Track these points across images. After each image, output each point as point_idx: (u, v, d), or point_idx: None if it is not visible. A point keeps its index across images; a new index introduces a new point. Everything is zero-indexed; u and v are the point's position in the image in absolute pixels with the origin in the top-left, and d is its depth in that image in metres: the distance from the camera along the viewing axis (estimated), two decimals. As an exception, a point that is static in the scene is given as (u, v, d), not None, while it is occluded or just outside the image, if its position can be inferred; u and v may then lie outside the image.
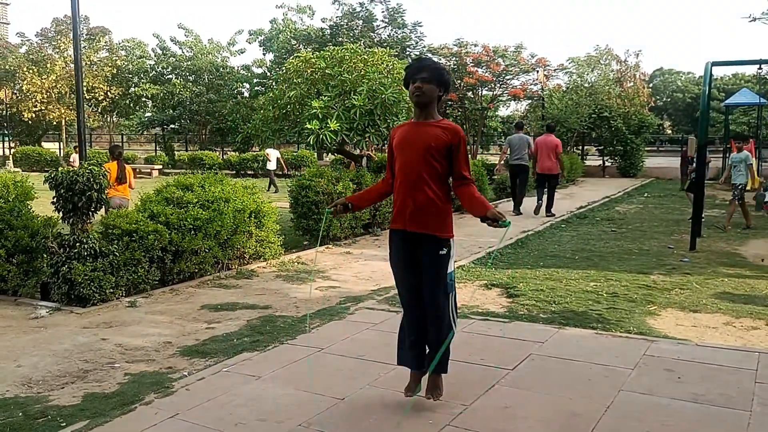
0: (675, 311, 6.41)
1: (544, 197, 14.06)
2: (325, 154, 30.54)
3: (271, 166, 21.72)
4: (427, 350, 4.07)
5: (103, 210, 7.28)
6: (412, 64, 4.06)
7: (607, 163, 27.16)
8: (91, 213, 6.94)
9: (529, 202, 14.58)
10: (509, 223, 3.62)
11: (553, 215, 13.81)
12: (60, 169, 6.92)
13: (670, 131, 62.29)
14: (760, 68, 10.79)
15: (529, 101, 30.21)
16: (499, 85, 28.87)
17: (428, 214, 3.86)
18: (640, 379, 4.47)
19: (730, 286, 7.45)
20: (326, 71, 11.23)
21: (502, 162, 16.10)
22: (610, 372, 4.61)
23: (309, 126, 10.31)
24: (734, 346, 5.26)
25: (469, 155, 21.57)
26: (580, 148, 28.19)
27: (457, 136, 3.87)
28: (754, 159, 20.09)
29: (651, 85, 50.84)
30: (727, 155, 22.45)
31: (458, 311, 4.15)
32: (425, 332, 4.02)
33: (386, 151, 4.21)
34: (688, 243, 10.03)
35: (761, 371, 4.61)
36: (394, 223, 4.01)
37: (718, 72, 58.52)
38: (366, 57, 11.59)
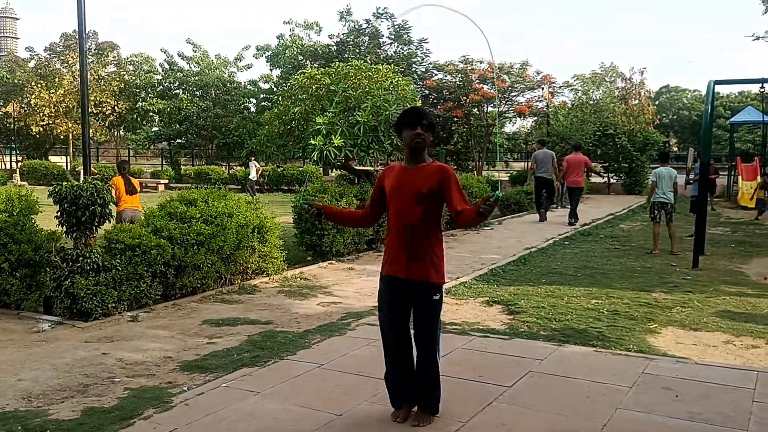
0: (675, 329, 6.40)
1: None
2: (330, 170, 30.67)
3: (252, 176, 23.87)
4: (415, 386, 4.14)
5: (107, 224, 7.31)
6: (410, 112, 4.12)
7: (612, 180, 27.15)
8: (94, 227, 7.00)
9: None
10: (500, 194, 3.68)
11: (573, 223, 15.21)
12: (64, 183, 6.99)
13: (676, 148, 62.26)
14: (762, 87, 10.81)
15: (535, 118, 30.31)
16: (504, 101, 28.98)
17: (423, 261, 3.96)
18: (637, 397, 4.47)
19: (732, 305, 7.44)
20: (331, 87, 11.32)
21: (531, 175, 17.24)
22: (608, 390, 4.62)
23: (313, 142, 10.38)
24: (733, 365, 5.26)
25: (474, 171, 21.94)
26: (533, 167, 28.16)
27: (446, 174, 3.99)
28: (758, 177, 20.14)
29: (657, 102, 50.94)
30: (733, 173, 22.47)
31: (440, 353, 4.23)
32: (411, 370, 4.10)
33: (374, 187, 4.29)
34: (691, 260, 10.01)
35: (759, 390, 4.61)
36: (388, 269, 4.07)
37: (724, 90, 58.56)
38: (370, 74, 11.69)
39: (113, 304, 6.79)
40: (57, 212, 6.92)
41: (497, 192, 3.65)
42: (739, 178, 21.16)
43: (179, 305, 7.40)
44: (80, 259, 6.71)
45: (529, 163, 17.76)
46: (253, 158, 22.90)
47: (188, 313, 7.13)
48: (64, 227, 6.97)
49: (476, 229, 14.09)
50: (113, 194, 9.74)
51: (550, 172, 15.81)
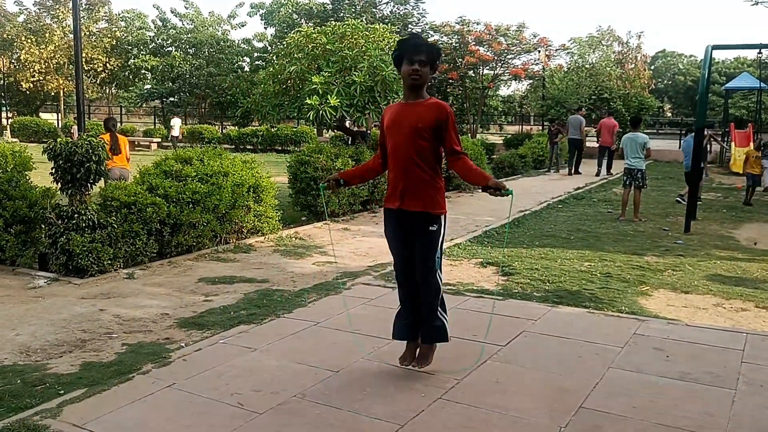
0: (667, 292, 6.48)
1: (604, 163, 18.81)
2: (324, 131, 30.47)
3: (175, 133, 27.05)
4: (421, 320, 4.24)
5: (102, 182, 7.29)
6: (406, 42, 4.08)
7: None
8: (89, 184, 6.98)
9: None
10: (512, 191, 3.75)
11: (612, 174, 18.39)
12: (59, 139, 6.93)
13: (670, 114, 62.10)
14: (760, 53, 10.77)
15: (530, 81, 30.11)
16: (500, 64, 28.74)
17: (420, 193, 4.00)
18: (629, 357, 4.55)
19: (722, 269, 7.53)
20: (327, 47, 11.19)
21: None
22: (601, 350, 4.69)
23: (309, 101, 10.30)
24: (723, 327, 5.35)
25: (469, 134, 22.07)
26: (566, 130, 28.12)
27: (444, 112, 3.97)
28: (751, 143, 20.15)
29: (653, 67, 50.64)
30: (727, 139, 22.47)
31: (442, 286, 4.27)
32: (417, 304, 4.20)
33: (379, 132, 4.31)
34: (683, 225, 10.09)
35: (748, 351, 4.69)
36: (388, 202, 4.16)
37: (719, 55, 58.08)
38: (367, 33, 11.54)
39: (109, 262, 6.81)
40: (52, 169, 6.88)
41: (511, 192, 3.75)
42: (732, 144, 21.16)
43: (175, 263, 7.42)
44: (76, 216, 6.70)
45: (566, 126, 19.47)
46: (174, 116, 26.34)
47: (184, 270, 7.16)
48: (59, 184, 6.94)
49: (470, 191, 14.12)
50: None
51: (579, 135, 18.53)
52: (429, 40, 29.76)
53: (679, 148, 13.19)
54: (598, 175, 18.47)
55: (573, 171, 18.89)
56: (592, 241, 9.07)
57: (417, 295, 4.19)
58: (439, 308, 4.18)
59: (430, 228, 4.02)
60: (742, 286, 6.74)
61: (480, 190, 3.99)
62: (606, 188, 15.88)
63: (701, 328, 5.26)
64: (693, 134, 12.50)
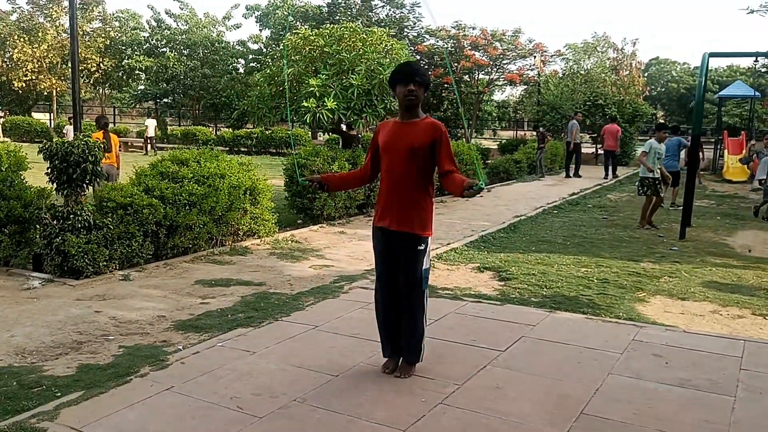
0: (664, 298, 6.50)
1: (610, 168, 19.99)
2: (319, 134, 30.45)
3: (150, 133, 27.54)
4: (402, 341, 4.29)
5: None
6: (402, 67, 4.18)
7: (600, 151, 27.20)
8: (85, 185, 6.93)
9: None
10: (482, 183, 3.74)
11: (618, 176, 19.83)
12: (55, 140, 6.88)
13: (662, 121, 62.39)
14: (756, 60, 10.83)
15: (525, 86, 30.19)
16: (495, 69, 28.80)
17: (411, 214, 4.08)
18: (628, 363, 4.55)
19: (718, 276, 7.55)
20: (325, 49, 11.17)
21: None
22: (600, 356, 4.69)
23: (306, 104, 10.27)
24: (721, 334, 5.35)
25: (464, 139, 22.07)
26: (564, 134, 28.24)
27: (439, 132, 4.07)
28: (744, 151, 20.29)
29: (646, 74, 50.90)
30: (720, 147, 22.61)
31: (428, 304, 4.33)
32: (398, 320, 4.24)
33: (371, 143, 4.35)
34: (678, 232, 10.12)
35: (746, 359, 4.70)
36: (379, 220, 4.20)
37: (713, 63, 58.43)
38: (365, 36, 11.54)
39: (104, 263, 6.76)
40: (47, 169, 6.83)
41: (480, 182, 3.71)
42: (725, 152, 21.29)
43: (171, 265, 7.38)
44: (71, 216, 6.65)
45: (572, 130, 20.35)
46: (149, 117, 28.29)
47: (180, 273, 7.11)
48: (55, 184, 6.89)
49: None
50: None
51: (578, 139, 20.00)
52: (424, 44, 29.95)
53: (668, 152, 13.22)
54: (606, 177, 19.61)
55: (573, 174, 19.92)
56: (588, 246, 9.08)
57: (397, 309, 4.23)
58: (422, 323, 4.22)
59: (418, 248, 4.10)
60: (738, 293, 6.76)
61: (462, 198, 4.09)
62: (600, 194, 15.92)
63: (699, 334, 5.27)
64: (675, 136, 12.80)
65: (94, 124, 11.17)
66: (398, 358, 4.33)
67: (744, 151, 19.84)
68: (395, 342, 4.30)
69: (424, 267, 4.14)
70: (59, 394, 3.95)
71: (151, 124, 28.59)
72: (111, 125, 34.48)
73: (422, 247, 4.10)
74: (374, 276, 6.91)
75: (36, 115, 37.29)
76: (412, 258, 4.10)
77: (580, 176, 19.82)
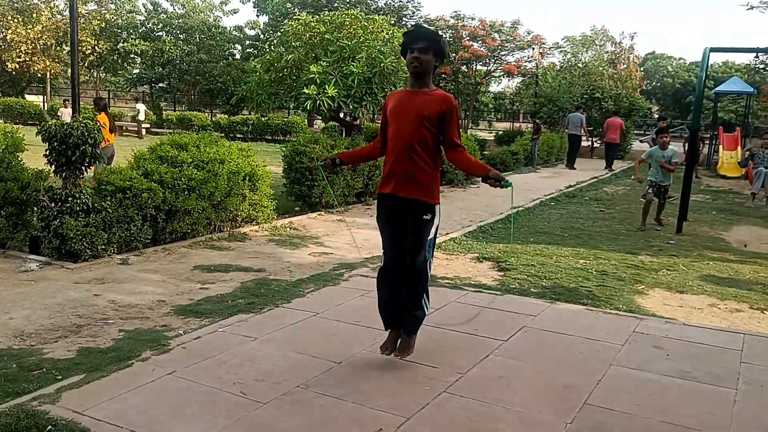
0: (662, 291, 6.51)
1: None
2: (316, 122, 30.34)
3: (141, 117, 27.94)
4: (403, 310, 4.23)
5: (93, 168, 7.16)
6: (410, 32, 4.13)
7: (595, 144, 27.25)
8: (84, 167, 6.87)
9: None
10: (511, 184, 3.80)
11: (613, 170, 19.98)
12: (53, 121, 6.81)
13: (657, 115, 62.53)
14: (756, 56, 10.86)
15: (523, 78, 30.15)
16: (493, 60, 28.74)
17: (416, 181, 3.99)
18: (629, 355, 4.56)
19: (715, 269, 7.57)
20: (325, 36, 11.10)
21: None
22: (601, 347, 4.70)
23: (306, 91, 10.21)
24: (720, 327, 5.37)
25: (461, 129, 21.99)
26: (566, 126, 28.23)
27: (449, 105, 3.98)
28: (739, 147, 20.34)
29: (643, 68, 50.92)
30: (715, 142, 22.65)
31: (431, 276, 4.31)
32: (399, 292, 4.17)
33: (380, 119, 4.28)
34: (675, 226, 10.14)
35: (746, 352, 4.72)
36: (383, 187, 4.12)
37: (710, 59, 58.64)
38: (366, 24, 11.46)
39: (103, 246, 6.72)
40: (45, 151, 6.77)
41: (510, 184, 3.83)
42: (720, 147, 21.33)
43: (169, 250, 7.34)
44: (69, 199, 6.60)
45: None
46: (139, 102, 29.29)
47: (179, 258, 7.08)
48: (53, 166, 6.83)
49: (463, 186, 14.14)
50: (104, 132, 9.63)
51: (579, 131, 20.21)
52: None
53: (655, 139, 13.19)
54: (606, 168, 19.96)
55: (570, 166, 20.26)
56: (586, 239, 9.09)
57: (401, 283, 4.16)
58: (424, 298, 4.18)
59: (424, 217, 4.01)
60: (736, 287, 6.78)
61: (481, 181, 4.05)
62: (597, 187, 15.94)
63: (699, 327, 5.29)
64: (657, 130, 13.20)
65: (93, 105, 11.10)
66: (396, 335, 4.25)
67: (738, 151, 19.88)
68: (395, 311, 4.24)
69: (429, 236, 4.06)
70: (60, 377, 3.93)
71: (141, 108, 28.71)
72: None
73: (428, 217, 4.01)
74: (373, 265, 6.95)
75: (29, 98, 37.00)
76: (418, 225, 4.01)
77: (575, 168, 20.11)
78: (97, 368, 4.08)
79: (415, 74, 4.00)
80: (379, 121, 4.41)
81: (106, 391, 3.73)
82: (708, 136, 23.34)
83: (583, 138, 21.13)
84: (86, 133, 6.70)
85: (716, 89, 26.70)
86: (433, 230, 4.07)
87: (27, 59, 32.02)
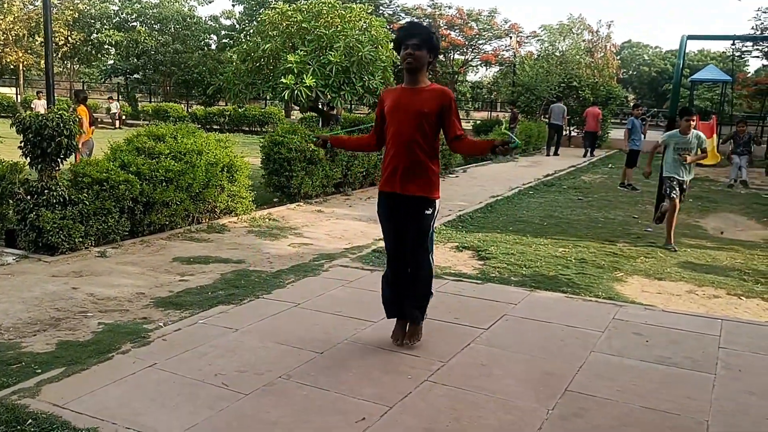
0: (641, 278, 6.58)
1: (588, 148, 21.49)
2: (293, 112, 30.15)
3: (115, 108, 28.60)
4: (408, 300, 4.36)
5: (72, 158, 7.05)
6: (403, 28, 4.18)
7: (573, 133, 27.43)
8: (60, 159, 6.76)
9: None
10: (517, 141, 3.86)
11: (593, 156, 21.14)
12: (28, 112, 6.69)
13: (632, 104, 63.15)
14: (733, 44, 10.98)
15: (500, 67, 30.22)
16: (471, 49, 28.75)
17: (418, 178, 4.06)
18: (610, 342, 4.61)
19: (693, 256, 7.68)
20: (303, 25, 11.02)
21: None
22: (582, 334, 4.74)
23: (284, 81, 10.14)
24: (698, 313, 5.45)
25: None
26: (548, 116, 28.35)
27: (447, 98, 4.04)
28: (714, 135, 20.59)
29: (619, 57, 51.31)
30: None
31: (433, 267, 4.42)
32: (406, 284, 4.29)
33: (376, 111, 4.36)
34: (652, 214, 10.25)
35: (724, 337, 4.79)
36: (385, 185, 4.19)
37: (687, 47, 59.26)
38: (343, 13, 11.39)
39: (80, 239, 6.63)
40: (20, 143, 6.65)
41: (516, 141, 3.82)
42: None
43: (147, 242, 7.27)
44: (46, 191, 6.49)
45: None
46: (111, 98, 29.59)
47: (157, 250, 7.01)
48: (28, 158, 6.71)
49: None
50: (85, 125, 9.52)
51: (561, 121, 21.18)
52: (400, 22, 29.76)
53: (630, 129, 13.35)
54: (585, 156, 20.90)
55: (552, 153, 21.01)
56: (565, 227, 9.16)
57: (405, 274, 4.28)
58: (428, 287, 4.31)
59: (426, 212, 4.10)
60: (713, 273, 6.88)
61: (489, 155, 4.17)
62: (575, 176, 16.06)
63: (677, 314, 5.36)
64: (634, 117, 13.39)
65: (73, 97, 10.94)
66: (404, 323, 4.37)
67: (714, 138, 20.07)
68: (399, 302, 4.35)
69: (431, 229, 4.18)
70: (39, 370, 3.87)
71: (115, 104, 29.34)
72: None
73: (430, 211, 4.10)
74: (353, 255, 6.95)
75: (1, 90, 36.31)
76: (420, 221, 4.10)
77: (558, 155, 20.98)
78: (77, 361, 4.03)
79: (409, 70, 4.03)
80: (364, 113, 4.44)
81: (87, 384, 3.69)
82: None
83: (558, 125, 21.67)
84: (62, 125, 6.58)
85: (692, 77, 26.99)
86: (433, 223, 4.17)
87: (-2, 50, 31.44)
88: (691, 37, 10.10)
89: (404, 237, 4.20)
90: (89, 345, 4.31)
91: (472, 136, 21.91)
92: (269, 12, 11.90)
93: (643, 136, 13.78)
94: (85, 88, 40.37)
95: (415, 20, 27.18)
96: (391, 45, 12.10)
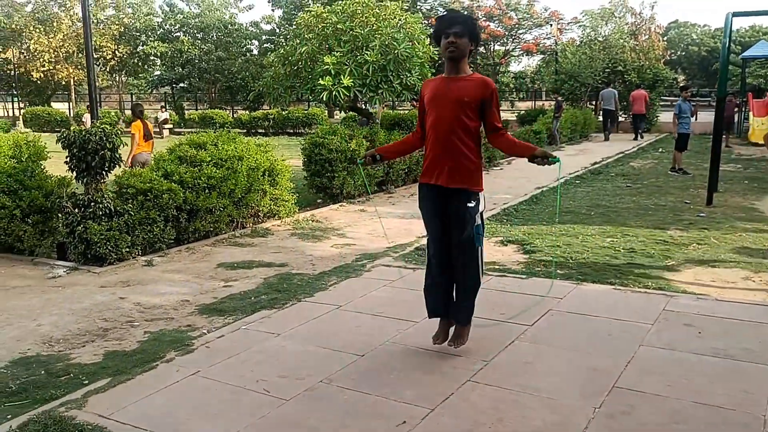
0: (693, 266, 6.35)
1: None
2: (336, 112, 30.30)
3: (162, 116, 29.09)
4: (454, 299, 4.20)
5: (117, 169, 7.20)
6: (443, 17, 4.06)
7: (620, 119, 26.76)
8: (104, 172, 6.91)
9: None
10: (559, 159, 3.72)
11: (643, 137, 21.78)
12: (72, 128, 6.87)
13: (681, 85, 61.26)
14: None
15: (542, 56, 29.70)
16: (511, 39, 28.35)
17: (460, 169, 3.91)
18: (660, 335, 4.45)
19: (749, 241, 7.37)
20: (338, 26, 11.02)
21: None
22: (630, 327, 4.59)
23: (322, 82, 10.16)
24: (755, 301, 5.22)
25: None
26: (594, 103, 27.75)
27: (489, 89, 3.90)
28: None
29: (666, 38, 49.81)
30: (745, 109, 22.09)
31: (484, 264, 4.20)
32: (451, 282, 4.14)
33: (418, 106, 4.25)
34: (705, 198, 9.91)
35: (783, 326, 4.58)
36: (426, 177, 4.05)
37: (735, 24, 57.16)
38: (378, 11, 11.35)
39: (127, 249, 6.77)
40: (66, 158, 6.83)
41: (558, 160, 3.75)
42: (750, 114, 20.78)
43: (193, 249, 7.38)
44: (92, 204, 6.65)
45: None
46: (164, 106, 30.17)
47: (202, 256, 7.11)
48: (74, 173, 6.89)
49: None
50: (137, 139, 9.75)
51: (612, 106, 21.93)
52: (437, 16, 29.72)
53: (679, 112, 12.79)
54: (635, 139, 21.41)
55: (605, 138, 21.65)
56: (613, 216, 8.92)
57: (450, 271, 4.11)
58: (477, 281, 4.11)
59: (469, 204, 3.91)
60: (770, 258, 6.59)
61: (527, 161, 3.92)
62: (623, 162, 15.67)
63: (732, 302, 5.14)
64: (682, 99, 12.83)
65: (131, 112, 11.21)
66: (447, 324, 4.20)
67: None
68: (446, 304, 4.18)
69: (476, 223, 3.95)
70: (86, 381, 3.96)
71: (163, 116, 29.33)
72: (129, 112, 34.71)
73: (473, 204, 3.91)
74: (395, 254, 6.91)
75: (55, 105, 37.57)
76: (463, 214, 3.93)
77: (608, 140, 21.43)
78: (123, 371, 4.10)
79: (451, 59, 3.91)
80: (407, 109, 4.35)
81: (132, 394, 3.75)
82: (738, 102, 22.76)
83: (610, 110, 22.06)
84: (105, 138, 6.73)
85: (743, 54, 26.01)
86: (478, 217, 3.97)
87: (51, 68, 32.50)
88: (736, 14, 9.71)
89: (447, 230, 4.03)
90: (135, 354, 4.38)
91: (517, 126, 21.77)
92: (304, 15, 11.95)
93: (693, 117, 13.25)
94: (134, 100, 41.56)
95: (455, 9, 27.01)
96: (428, 40, 12.02)
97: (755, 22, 56.41)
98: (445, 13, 4.18)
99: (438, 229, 4.08)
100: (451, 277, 4.13)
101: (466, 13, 27.61)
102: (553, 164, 3.75)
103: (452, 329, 4.21)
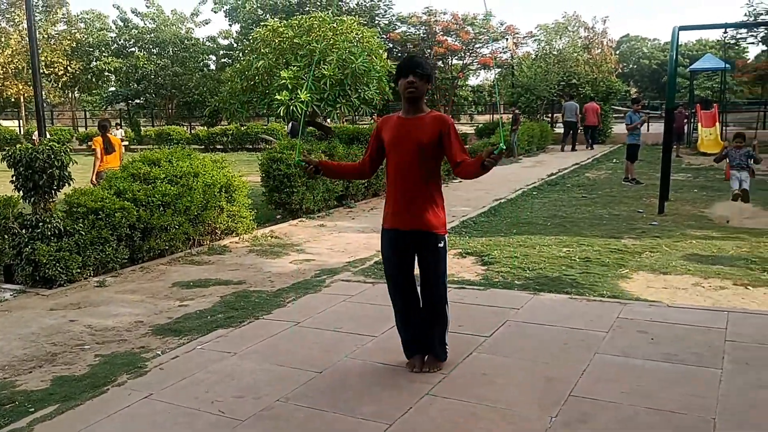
0: (646, 274, 6.48)
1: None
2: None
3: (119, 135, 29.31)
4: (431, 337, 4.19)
5: (67, 187, 7.02)
6: (404, 59, 4.12)
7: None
8: (53, 191, 6.74)
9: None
10: (503, 146, 3.60)
11: (593, 148, 22.71)
12: (18, 146, 6.68)
13: (632, 98, 62.89)
14: (725, 32, 10.86)
15: (499, 69, 30.17)
16: (468, 53, 28.73)
17: (426, 212, 3.94)
18: (614, 342, 4.51)
19: (698, 248, 7.56)
20: (295, 41, 11.01)
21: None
22: (586, 336, 4.65)
23: (279, 97, 10.11)
24: (704, 306, 5.34)
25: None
26: (550, 115, 28.25)
27: (446, 124, 3.94)
28: (717, 123, 20.40)
29: (618, 51, 51.10)
30: (693, 120, 22.75)
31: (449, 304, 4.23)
32: (419, 321, 4.14)
33: (370, 137, 4.24)
34: (657, 207, 10.14)
35: (730, 329, 4.69)
36: (390, 223, 4.04)
37: (682, 38, 58.98)
38: (335, 26, 11.38)
39: (78, 270, 6.59)
40: (12, 176, 6.63)
41: (501, 144, 3.56)
42: (699, 125, 21.40)
43: (147, 268, 7.23)
44: (40, 224, 6.47)
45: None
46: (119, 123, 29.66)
47: (157, 276, 6.97)
48: (21, 192, 6.69)
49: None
50: (97, 154, 9.59)
51: (574, 118, 22.51)
52: (396, 31, 29.78)
53: (630, 123, 13.13)
54: (587, 148, 22.64)
55: (570, 149, 22.49)
56: (569, 226, 9.06)
57: (416, 312, 4.13)
58: (446, 318, 4.14)
59: (438, 245, 3.97)
60: (719, 264, 6.76)
61: (480, 169, 3.75)
62: (579, 173, 15.95)
63: (683, 308, 5.25)
64: (632, 111, 13.49)
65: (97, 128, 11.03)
66: (423, 356, 4.18)
67: (717, 127, 19.82)
68: (419, 341, 4.17)
69: (444, 266, 4.03)
70: (33, 409, 3.81)
71: (119, 133, 28.99)
72: (82, 129, 34.03)
73: (441, 245, 3.97)
74: (355, 269, 6.88)
75: (4, 123, 36.56)
76: (432, 257, 3.97)
77: (575, 150, 22.46)
78: (72, 397, 3.97)
79: (410, 99, 3.96)
80: (367, 124, 4.31)
81: (80, 420, 3.63)
82: (686, 114, 23.41)
83: (570, 121, 22.71)
84: (53, 156, 6.57)
85: (691, 67, 26.80)
86: (445, 258, 4.03)
87: (-1, 84, 31.66)
88: (682, 28, 10.02)
89: (410, 275, 4.08)
90: (84, 379, 4.25)
91: (476, 139, 21.91)
92: (261, 30, 11.91)
93: (646, 129, 13.69)
94: (87, 116, 40.74)
95: (416, 54, 27.30)
96: (385, 54, 12.08)
97: (702, 36, 58.36)
98: (407, 56, 4.23)
99: (401, 274, 4.08)
100: (416, 316, 4.14)
101: (417, 26, 27.92)
102: (501, 152, 3.63)
103: (427, 356, 4.19)
